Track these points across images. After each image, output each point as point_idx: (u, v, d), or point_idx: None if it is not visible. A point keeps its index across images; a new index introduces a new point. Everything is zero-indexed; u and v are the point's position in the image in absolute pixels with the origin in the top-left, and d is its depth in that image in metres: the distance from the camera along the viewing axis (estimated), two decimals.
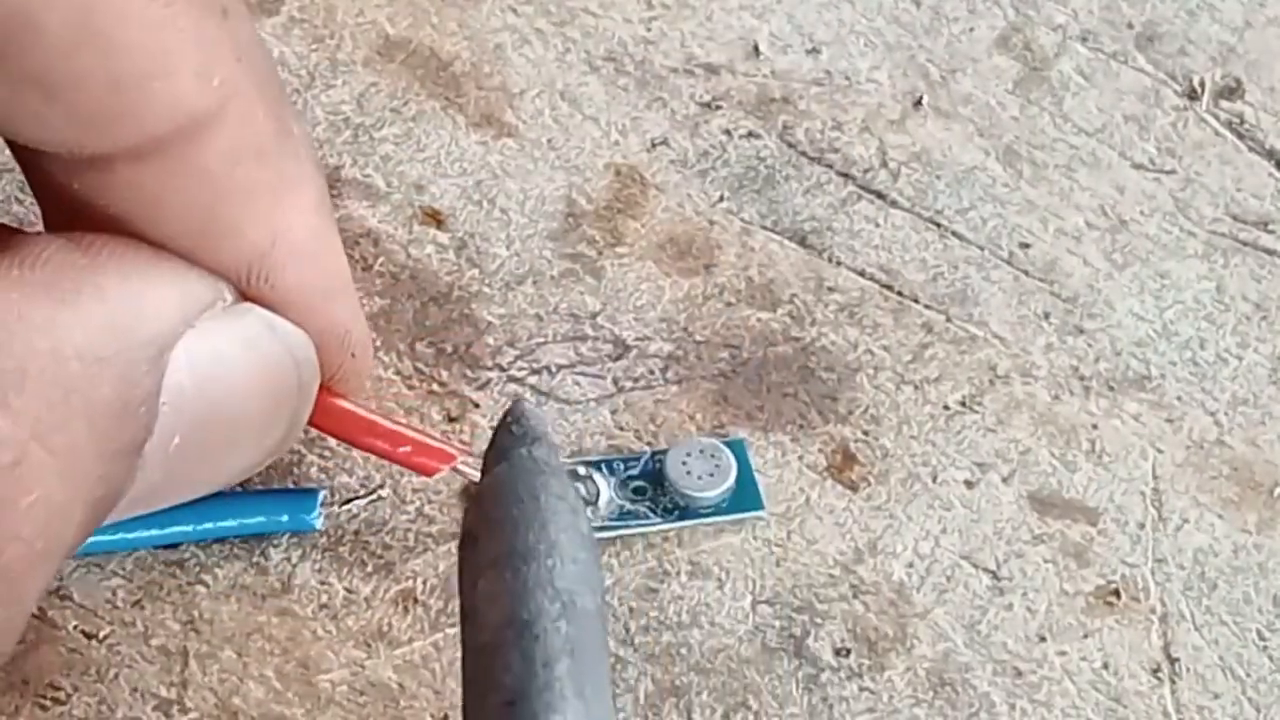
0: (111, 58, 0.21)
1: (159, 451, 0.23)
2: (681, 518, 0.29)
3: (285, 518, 0.28)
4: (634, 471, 0.30)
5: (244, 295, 0.24)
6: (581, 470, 0.29)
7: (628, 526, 0.29)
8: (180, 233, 0.23)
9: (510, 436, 0.24)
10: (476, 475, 0.28)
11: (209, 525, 0.28)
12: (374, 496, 0.29)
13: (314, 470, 0.29)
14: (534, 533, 0.23)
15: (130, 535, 0.28)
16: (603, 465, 0.30)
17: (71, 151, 0.22)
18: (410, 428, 0.28)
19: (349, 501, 0.29)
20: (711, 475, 0.29)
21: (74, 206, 0.23)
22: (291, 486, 0.29)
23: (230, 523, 0.28)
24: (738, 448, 0.30)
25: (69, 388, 0.21)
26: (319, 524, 0.28)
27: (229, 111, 0.23)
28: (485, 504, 0.23)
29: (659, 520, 0.29)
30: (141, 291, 0.23)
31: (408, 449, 0.27)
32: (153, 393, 0.22)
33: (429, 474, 0.28)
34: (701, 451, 0.29)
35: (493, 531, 0.23)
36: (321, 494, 0.29)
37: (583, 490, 0.29)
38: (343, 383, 0.27)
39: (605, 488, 0.29)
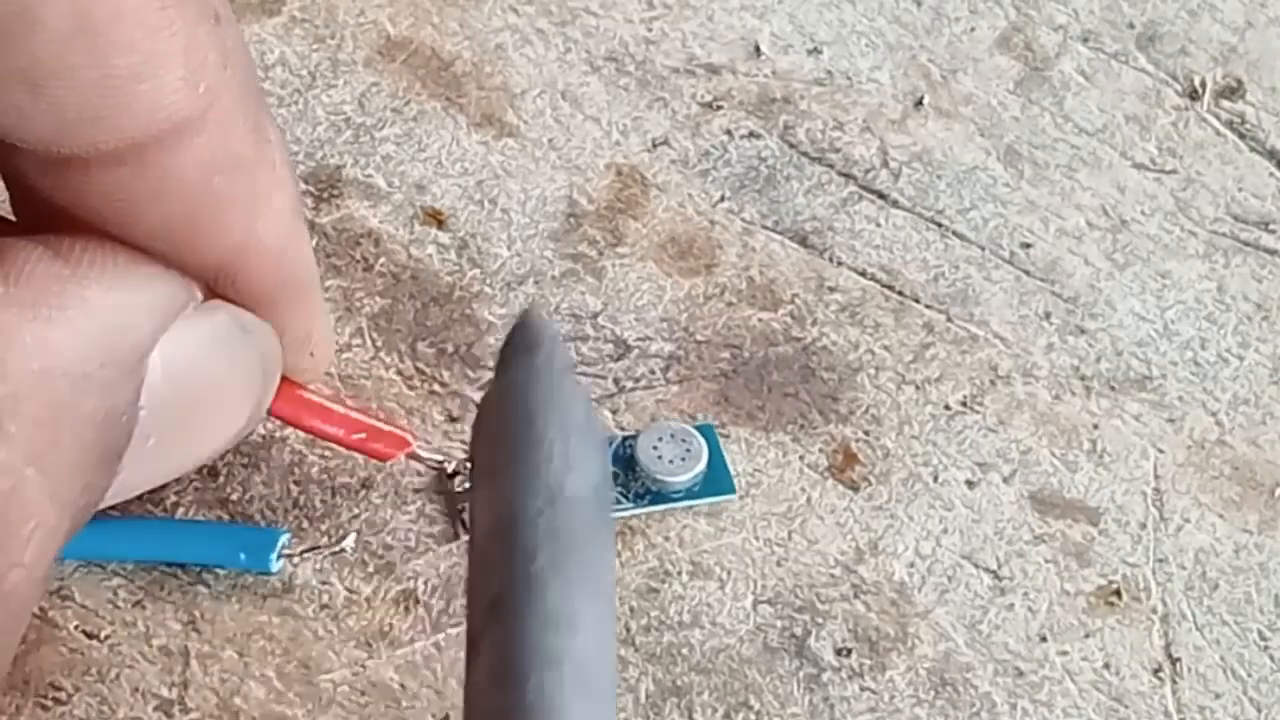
0: (103, 56, 0.21)
1: (135, 453, 0.23)
2: (653, 502, 0.29)
3: (243, 556, 0.28)
4: None
5: (209, 294, 0.24)
6: None
7: None
8: (151, 237, 0.23)
9: (511, 349, 0.23)
10: (434, 459, 0.28)
11: (162, 556, 0.28)
12: (338, 549, 0.28)
13: (315, 470, 0.29)
14: (526, 430, 0.21)
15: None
16: None
17: (49, 151, 0.22)
18: (367, 414, 0.28)
19: (310, 550, 0.28)
20: (683, 459, 0.29)
21: (45, 202, 0.23)
22: (259, 525, 0.29)
23: (185, 556, 0.28)
24: (708, 432, 0.30)
25: (58, 407, 0.21)
26: (275, 567, 0.28)
27: (209, 119, 0.22)
28: (481, 418, 0.23)
29: (630, 505, 0.29)
30: (123, 300, 0.22)
31: (363, 435, 0.28)
32: (133, 400, 0.22)
33: (385, 459, 0.28)
34: (673, 436, 0.29)
35: (484, 444, 0.22)
36: (282, 539, 0.28)
37: None
38: (299, 376, 0.27)
39: None
